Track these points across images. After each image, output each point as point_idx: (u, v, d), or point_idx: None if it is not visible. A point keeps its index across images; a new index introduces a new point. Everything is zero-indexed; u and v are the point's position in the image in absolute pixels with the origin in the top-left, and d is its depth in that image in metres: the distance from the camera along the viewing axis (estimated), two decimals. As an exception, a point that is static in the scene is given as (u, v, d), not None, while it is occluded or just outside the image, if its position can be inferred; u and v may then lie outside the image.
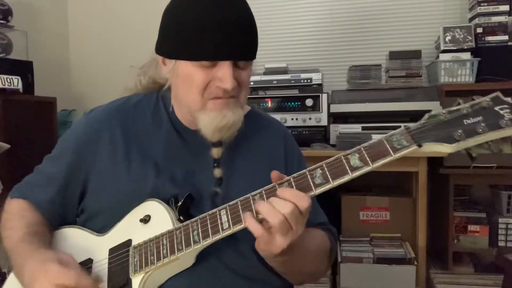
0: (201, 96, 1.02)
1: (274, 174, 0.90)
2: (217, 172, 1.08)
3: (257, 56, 1.15)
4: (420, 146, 0.80)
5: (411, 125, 0.82)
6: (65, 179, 1.11)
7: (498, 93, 0.79)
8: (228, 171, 1.10)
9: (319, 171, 0.86)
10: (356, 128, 2.56)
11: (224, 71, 0.99)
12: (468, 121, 0.78)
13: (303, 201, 0.84)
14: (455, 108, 0.81)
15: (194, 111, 1.05)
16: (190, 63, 1.01)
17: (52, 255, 0.95)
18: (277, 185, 0.88)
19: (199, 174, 1.09)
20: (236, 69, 1.02)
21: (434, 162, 2.39)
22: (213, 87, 1.01)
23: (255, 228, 0.87)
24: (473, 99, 0.80)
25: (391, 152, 0.82)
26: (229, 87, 0.99)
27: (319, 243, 1.11)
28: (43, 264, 0.92)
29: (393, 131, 0.83)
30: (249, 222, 0.87)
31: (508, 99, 0.78)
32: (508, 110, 0.77)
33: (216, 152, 1.08)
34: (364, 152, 0.83)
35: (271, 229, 0.86)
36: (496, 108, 0.78)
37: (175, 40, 1.03)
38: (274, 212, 0.84)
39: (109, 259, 1.02)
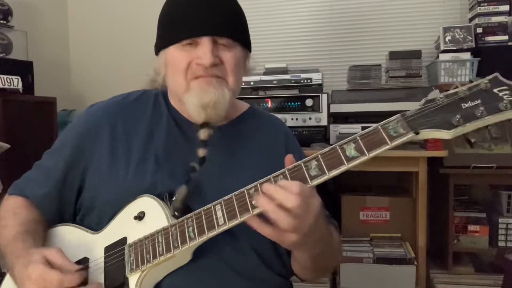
0: (184, 77, 1.04)
1: (288, 158, 0.88)
2: (201, 152, 1.06)
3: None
4: (417, 133, 0.78)
5: (408, 111, 0.80)
6: (64, 172, 1.11)
7: (497, 74, 0.76)
8: (218, 156, 1.09)
9: (314, 162, 0.85)
10: (356, 128, 2.55)
11: (202, 48, 1.02)
12: (466, 105, 0.76)
13: (292, 186, 0.82)
14: (452, 91, 0.78)
15: (180, 95, 1.07)
16: (174, 48, 1.05)
17: (37, 257, 0.93)
18: (272, 178, 0.87)
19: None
20: (218, 47, 1.04)
21: (434, 162, 2.38)
22: (194, 66, 1.03)
23: (262, 230, 0.86)
24: (471, 82, 0.77)
25: (387, 140, 0.80)
26: (206, 62, 1.00)
27: (338, 239, 1.11)
28: (27, 267, 0.91)
29: (389, 118, 0.81)
30: (256, 226, 0.86)
31: (507, 80, 0.75)
32: (507, 92, 0.74)
33: (202, 133, 1.06)
34: (360, 141, 0.82)
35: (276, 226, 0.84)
36: (495, 90, 0.75)
37: (162, 32, 1.09)
38: (275, 209, 0.82)
39: (105, 257, 1.02)
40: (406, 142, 0.79)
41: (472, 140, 0.77)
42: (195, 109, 1.04)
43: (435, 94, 0.79)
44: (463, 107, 0.76)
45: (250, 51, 1.15)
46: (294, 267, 1.11)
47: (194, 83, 1.04)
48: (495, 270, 2.37)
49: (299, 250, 0.96)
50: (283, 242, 0.87)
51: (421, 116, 0.79)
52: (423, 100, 0.80)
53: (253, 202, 0.85)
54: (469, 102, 0.76)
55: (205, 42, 1.02)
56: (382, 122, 0.81)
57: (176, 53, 1.05)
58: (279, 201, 0.81)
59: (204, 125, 1.06)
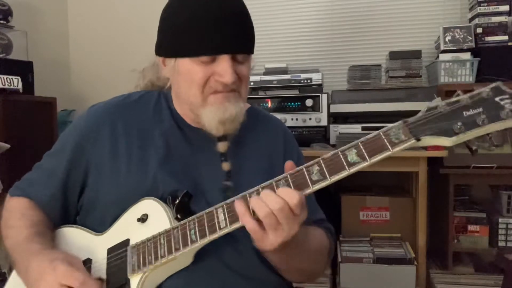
0: (201, 91, 1.04)
1: (289, 164, 0.89)
2: (225, 166, 1.08)
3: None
4: (418, 140, 0.78)
5: (410, 118, 0.81)
6: (66, 173, 1.11)
7: (499, 83, 0.76)
8: (235, 165, 1.10)
9: (316, 167, 0.85)
10: (356, 128, 2.56)
11: (223, 66, 1.01)
12: (468, 113, 0.76)
13: (293, 198, 0.83)
14: (454, 99, 0.78)
15: (195, 108, 1.06)
16: (190, 60, 1.03)
17: (61, 255, 0.95)
18: (274, 182, 0.87)
19: (201, 168, 1.09)
20: (235, 63, 1.03)
21: (434, 162, 2.38)
22: (212, 81, 1.03)
23: (247, 222, 0.86)
24: (473, 90, 0.77)
25: (389, 146, 0.80)
26: (229, 81, 1.00)
27: (319, 242, 1.11)
28: (51, 262, 0.92)
29: (391, 125, 0.81)
30: (242, 217, 0.86)
31: (509, 89, 0.76)
32: (508, 101, 0.74)
33: (222, 147, 1.08)
34: (361, 147, 0.82)
35: (263, 225, 0.85)
36: (497, 99, 0.75)
37: (174, 39, 1.05)
38: (262, 205, 0.83)
39: (108, 259, 1.02)
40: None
41: (473, 148, 0.77)
42: (214, 124, 1.04)
43: (437, 101, 0.79)
44: (465, 115, 0.76)
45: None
46: None
47: (212, 98, 1.04)
48: (495, 270, 2.38)
49: (269, 253, 0.96)
50: (262, 242, 0.88)
51: (423, 123, 0.79)
52: (425, 107, 0.80)
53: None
54: (471, 110, 0.76)
55: (225, 60, 1.01)
56: (384, 128, 0.82)
57: (192, 66, 1.03)
58: (273, 208, 0.83)
59: (222, 138, 1.08)
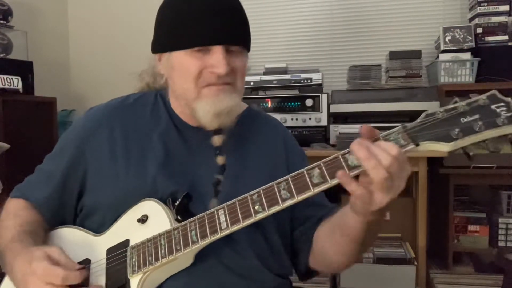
0: (195, 84, 1.04)
1: (364, 128, 0.83)
2: (220, 160, 1.08)
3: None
4: (417, 145, 0.79)
5: (409, 123, 0.82)
6: (64, 175, 1.11)
7: (495, 91, 0.79)
8: (230, 161, 1.10)
9: (316, 170, 0.86)
10: (356, 128, 2.55)
11: (216, 56, 1.01)
12: (465, 120, 0.78)
13: (391, 148, 0.79)
14: (452, 106, 0.80)
15: (190, 101, 1.06)
16: (184, 53, 1.04)
17: (39, 253, 0.94)
18: (275, 184, 0.88)
19: (199, 169, 1.09)
20: (229, 55, 1.03)
21: (434, 162, 2.38)
22: (206, 74, 1.03)
23: (355, 189, 0.83)
24: (470, 97, 0.80)
25: None
26: (222, 72, 1.00)
27: None
28: (30, 264, 0.92)
29: (390, 130, 0.82)
30: (349, 185, 0.82)
31: (505, 97, 0.78)
32: (504, 108, 0.76)
33: (217, 140, 1.08)
34: None
35: (371, 186, 0.81)
36: (493, 107, 0.77)
37: (169, 33, 1.07)
38: (379, 167, 0.78)
39: (107, 259, 1.02)
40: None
41: (471, 154, 0.79)
42: (208, 117, 1.04)
43: (435, 108, 0.81)
44: (462, 121, 0.78)
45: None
46: (330, 251, 1.06)
47: (206, 91, 1.04)
48: (495, 270, 2.38)
49: (363, 216, 0.92)
50: (369, 204, 0.84)
51: (422, 128, 0.80)
52: (424, 114, 0.81)
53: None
54: (468, 116, 0.78)
55: (218, 51, 1.01)
56: (384, 133, 0.83)
57: (186, 59, 1.04)
58: (379, 159, 0.78)
59: (217, 131, 1.07)
